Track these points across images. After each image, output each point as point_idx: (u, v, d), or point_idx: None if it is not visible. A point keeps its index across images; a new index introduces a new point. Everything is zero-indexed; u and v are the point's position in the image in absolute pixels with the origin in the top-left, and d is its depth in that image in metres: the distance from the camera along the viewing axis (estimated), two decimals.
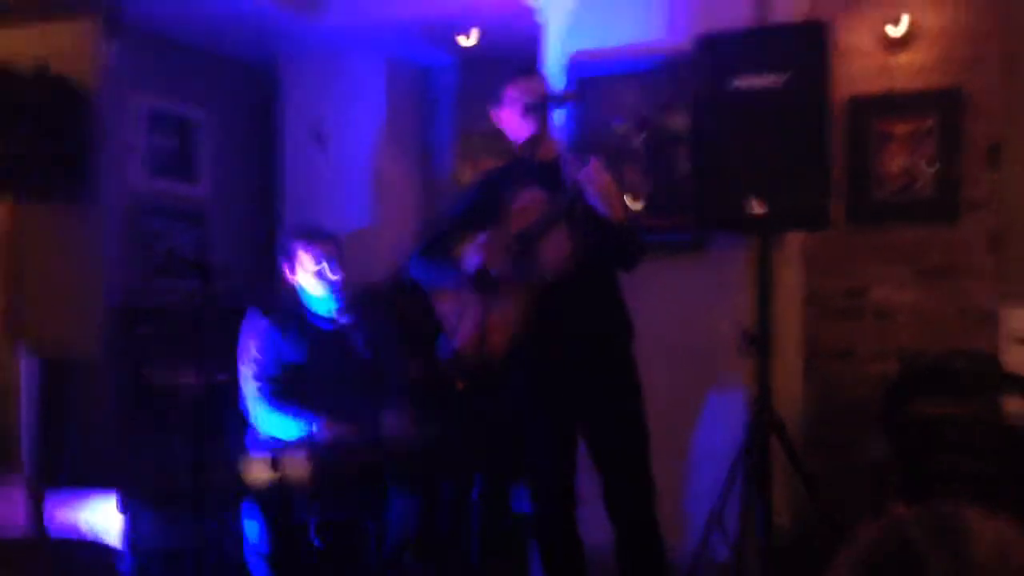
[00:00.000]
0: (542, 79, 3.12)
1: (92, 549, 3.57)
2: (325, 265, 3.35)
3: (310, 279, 3.36)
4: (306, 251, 3.36)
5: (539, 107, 2.95)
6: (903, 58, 4.23)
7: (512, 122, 3.03)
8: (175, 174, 5.06)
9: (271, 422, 3.30)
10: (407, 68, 5.45)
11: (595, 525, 2.96)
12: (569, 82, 4.07)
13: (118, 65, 4.67)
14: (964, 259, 4.11)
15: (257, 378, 3.34)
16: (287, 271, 3.42)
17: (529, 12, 4.46)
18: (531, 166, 2.99)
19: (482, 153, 5.68)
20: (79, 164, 4.50)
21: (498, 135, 5.29)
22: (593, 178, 2.73)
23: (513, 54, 5.04)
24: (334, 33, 4.96)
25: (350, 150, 5.31)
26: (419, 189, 5.59)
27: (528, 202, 2.91)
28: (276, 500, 2.90)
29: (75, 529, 3.75)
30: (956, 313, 4.11)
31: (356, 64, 5.28)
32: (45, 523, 3.84)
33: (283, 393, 3.33)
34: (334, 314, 3.44)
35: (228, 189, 5.35)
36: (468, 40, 5.09)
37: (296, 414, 3.27)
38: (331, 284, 3.36)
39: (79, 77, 4.56)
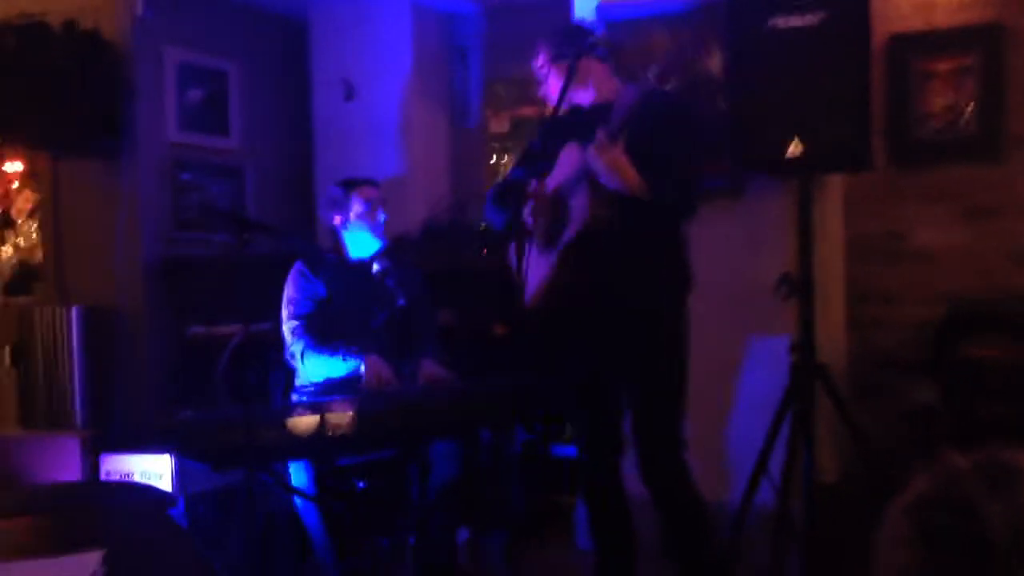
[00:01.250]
0: (571, 31, 3.07)
1: (145, 492, 3.66)
2: (374, 207, 3.55)
3: (359, 222, 3.56)
4: (358, 195, 3.56)
5: (566, 56, 2.91)
6: None
7: (546, 75, 3.02)
8: (208, 127, 5.07)
9: (314, 361, 3.40)
10: (433, 16, 5.39)
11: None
12: (599, 26, 4.01)
13: (148, 18, 4.66)
14: (1010, 198, 4.03)
15: (294, 317, 3.50)
16: (335, 217, 3.59)
17: None
18: (581, 115, 2.97)
19: (510, 100, 5.63)
20: (113, 119, 4.52)
21: (526, 82, 5.27)
22: (596, 157, 2.70)
23: (539, 1, 4.98)
24: None
25: (379, 100, 5.28)
26: (448, 138, 5.56)
27: (565, 159, 2.90)
28: (320, 447, 2.95)
29: (128, 477, 3.84)
30: (1003, 254, 4.04)
31: (383, 13, 5.23)
32: (100, 476, 3.93)
33: (321, 331, 3.45)
34: (374, 257, 3.56)
35: (261, 141, 5.35)
36: None
37: (336, 351, 3.37)
38: (379, 226, 3.57)
39: (109, 32, 4.55)
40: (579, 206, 2.84)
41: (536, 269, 2.94)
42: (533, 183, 2.99)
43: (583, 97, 3.02)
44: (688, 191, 2.87)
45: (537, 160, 3.08)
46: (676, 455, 2.87)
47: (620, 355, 2.90)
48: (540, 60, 3.05)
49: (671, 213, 2.87)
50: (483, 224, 3.35)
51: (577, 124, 2.95)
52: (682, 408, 2.90)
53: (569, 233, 2.87)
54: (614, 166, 2.69)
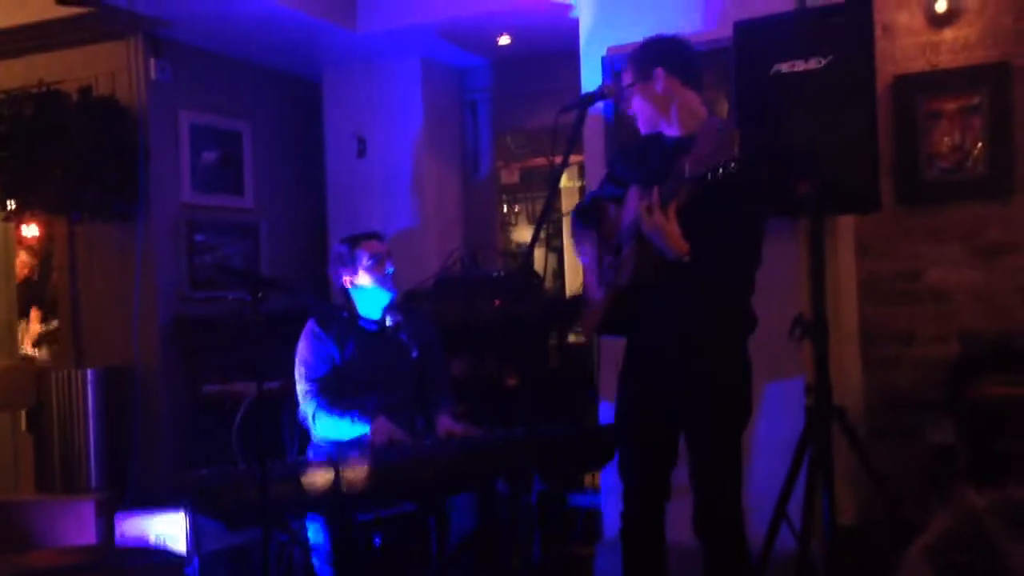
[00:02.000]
0: (662, 44, 2.96)
1: (159, 556, 3.64)
2: (381, 261, 3.55)
3: (366, 276, 3.55)
4: (364, 250, 3.56)
5: (574, 105, 2.93)
6: (947, 34, 4.15)
7: (630, 95, 2.96)
8: (222, 187, 5.12)
9: (325, 423, 3.39)
10: (443, 70, 5.47)
11: (681, 524, 2.93)
12: (606, 77, 4.05)
13: (161, 82, 4.74)
14: (1021, 235, 4.02)
15: (307, 380, 3.49)
16: (343, 274, 3.58)
17: (562, 9, 4.45)
18: (657, 147, 2.92)
19: (521, 152, 5.68)
20: (128, 182, 4.58)
21: (536, 133, 5.31)
22: (645, 221, 2.67)
23: (547, 52, 5.05)
24: (371, 40, 4.99)
25: (391, 154, 5.34)
26: (459, 190, 5.60)
27: (630, 200, 2.88)
28: (336, 503, 2.94)
29: (143, 539, 3.82)
30: (1016, 291, 4.02)
31: (394, 69, 5.31)
32: (115, 538, 3.92)
33: (334, 393, 3.45)
34: (385, 311, 3.57)
35: (274, 199, 5.40)
36: (505, 40, 5.09)
37: (347, 414, 3.35)
38: (388, 279, 3.56)
39: (124, 96, 4.63)
40: (628, 255, 2.83)
41: (596, 292, 2.96)
42: (611, 208, 2.99)
43: (666, 127, 2.91)
44: (746, 257, 2.80)
45: (616, 183, 3.05)
46: (736, 506, 2.82)
47: (680, 402, 2.85)
48: (625, 81, 2.94)
49: (724, 272, 2.80)
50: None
51: (655, 158, 2.89)
52: (740, 444, 2.86)
53: (619, 279, 2.87)
54: (660, 233, 2.65)
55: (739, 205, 2.69)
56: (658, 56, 2.89)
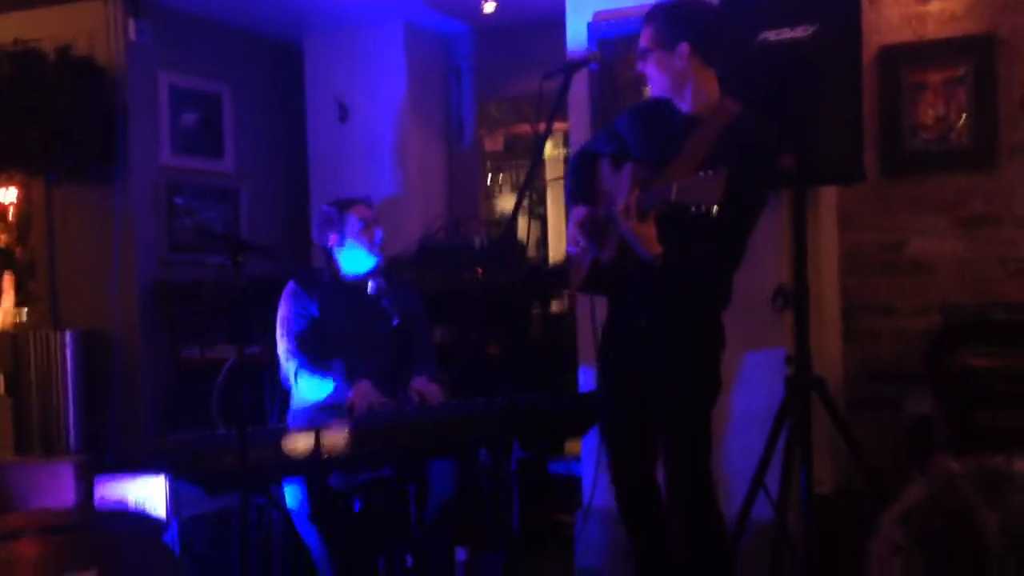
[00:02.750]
0: (688, 9, 2.85)
1: (138, 519, 3.64)
2: (369, 226, 3.55)
3: (354, 241, 3.55)
4: (353, 214, 3.55)
5: (559, 71, 2.89)
6: (933, 6, 4.14)
7: (646, 59, 2.85)
8: (202, 150, 5.08)
9: (307, 382, 3.38)
10: (427, 36, 5.42)
11: None
12: (591, 43, 4.02)
13: (141, 43, 4.67)
14: (1005, 207, 4.03)
15: (288, 337, 3.48)
16: (329, 236, 3.57)
17: None
18: (654, 118, 2.88)
19: (504, 119, 5.65)
20: (107, 143, 4.53)
21: (519, 101, 5.27)
22: (622, 223, 2.64)
23: (532, 18, 5.00)
24: (353, 4, 4.94)
25: (373, 121, 5.30)
26: (443, 157, 5.57)
27: (618, 180, 2.84)
28: (316, 467, 2.94)
29: (122, 503, 3.82)
30: (998, 263, 4.03)
31: (376, 35, 5.26)
32: (93, 501, 3.91)
33: (315, 350, 3.44)
34: (369, 275, 3.56)
35: (255, 164, 5.36)
36: (490, 7, 5.04)
37: (329, 374, 3.35)
38: (376, 244, 3.57)
39: (103, 57, 4.57)
40: (613, 235, 2.81)
41: (585, 252, 2.91)
42: (604, 166, 2.94)
43: (677, 100, 2.82)
44: (721, 272, 2.78)
45: (615, 140, 2.98)
46: (704, 479, 2.82)
47: (649, 376, 2.84)
48: (644, 39, 2.81)
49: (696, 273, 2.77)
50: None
51: (659, 127, 2.84)
52: (708, 420, 2.84)
53: (601, 254, 2.85)
54: (633, 236, 2.63)
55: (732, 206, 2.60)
56: (687, 28, 2.75)
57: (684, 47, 2.74)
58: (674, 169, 2.70)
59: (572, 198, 3.00)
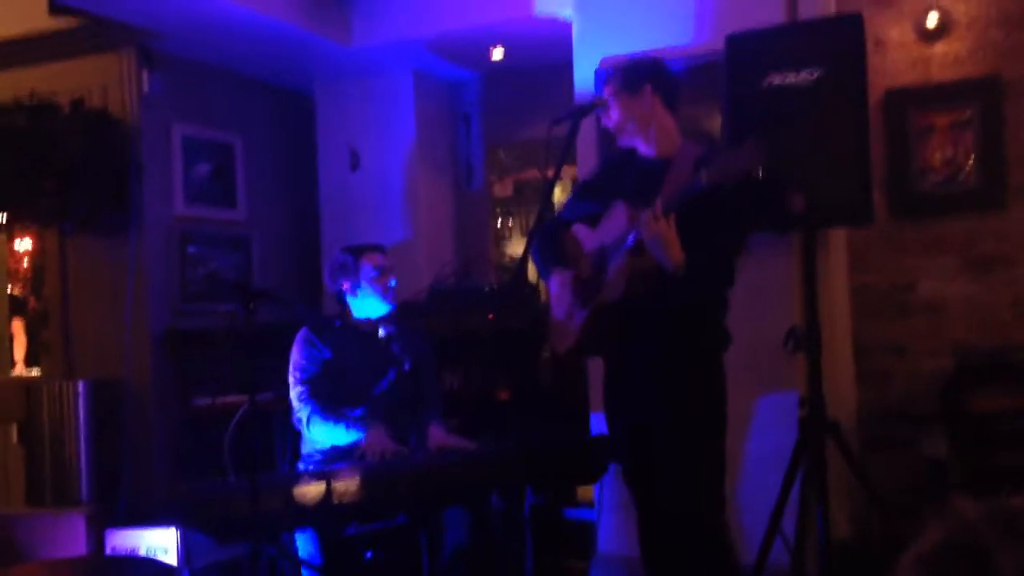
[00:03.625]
0: (648, 63, 2.99)
1: (149, 565, 3.61)
2: (384, 274, 3.57)
3: (368, 288, 3.56)
4: (367, 261, 3.57)
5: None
6: (938, 49, 4.17)
7: (610, 106, 2.95)
8: (214, 199, 5.12)
9: (319, 429, 3.37)
10: (435, 83, 5.48)
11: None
12: (598, 88, 4.06)
13: (154, 94, 4.73)
14: (1015, 248, 4.02)
15: (300, 382, 3.48)
16: (343, 283, 3.58)
17: (554, 23, 4.46)
18: (638, 165, 2.92)
19: (513, 165, 5.69)
20: (121, 194, 4.56)
21: (528, 146, 5.30)
22: (646, 227, 2.65)
23: (540, 64, 5.06)
24: (363, 54, 5.00)
25: (384, 168, 5.34)
26: (452, 203, 5.61)
27: (613, 217, 2.86)
28: (327, 516, 2.92)
29: (134, 553, 3.80)
30: (1009, 304, 4.02)
31: (386, 83, 5.32)
32: (105, 551, 3.89)
33: (327, 396, 3.42)
34: (383, 320, 3.57)
35: (267, 212, 5.40)
36: (497, 54, 5.10)
37: (341, 421, 3.34)
38: (389, 292, 3.58)
39: (117, 109, 4.63)
40: (615, 271, 2.82)
41: (570, 317, 2.92)
42: (579, 230, 2.97)
43: (642, 146, 2.93)
44: (728, 272, 2.82)
45: (590, 198, 3.03)
46: (713, 523, 2.79)
47: (652, 418, 2.83)
48: (607, 91, 2.94)
49: (708, 285, 2.80)
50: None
51: (630, 175, 2.91)
52: (720, 467, 2.82)
53: (604, 295, 2.84)
54: (662, 242, 2.63)
55: (728, 222, 2.70)
56: (648, 74, 2.90)
57: (647, 88, 2.87)
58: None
59: (545, 267, 3.01)
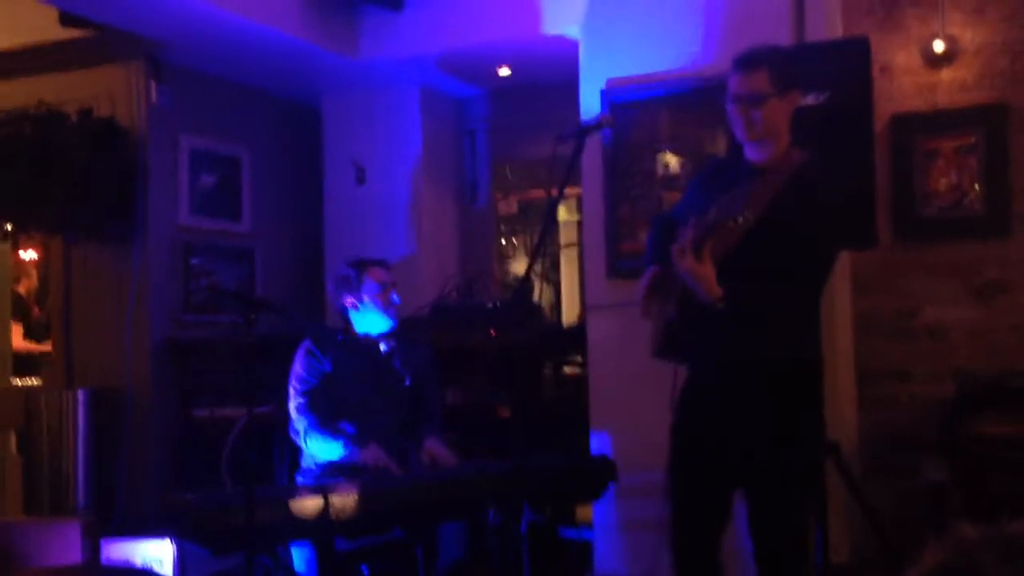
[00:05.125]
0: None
1: (145, 575, 3.60)
2: (387, 290, 3.56)
3: (371, 304, 3.54)
4: (370, 277, 3.56)
5: (572, 135, 2.88)
6: (945, 75, 4.18)
7: (762, 99, 2.58)
8: (219, 211, 5.13)
9: (316, 443, 3.36)
10: (442, 99, 5.50)
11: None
12: (604, 108, 4.07)
13: (162, 106, 4.75)
14: (1018, 274, 4.02)
15: (299, 393, 3.48)
16: (346, 297, 3.56)
17: (561, 41, 4.48)
18: (725, 169, 2.73)
19: (519, 183, 5.70)
20: (126, 204, 4.58)
21: (533, 164, 5.26)
22: (679, 263, 2.48)
23: (546, 83, 5.08)
24: (371, 68, 5.02)
25: (389, 183, 5.35)
26: (457, 219, 5.61)
27: (686, 232, 2.60)
28: (324, 529, 2.91)
29: (129, 563, 3.78)
30: (1011, 330, 4.01)
31: (393, 98, 5.34)
32: (100, 561, 3.87)
33: (326, 411, 3.42)
34: (385, 336, 3.56)
35: (271, 224, 5.40)
36: (504, 71, 5.12)
37: (339, 437, 3.33)
38: (392, 308, 3.57)
39: (124, 119, 4.65)
40: (674, 286, 2.63)
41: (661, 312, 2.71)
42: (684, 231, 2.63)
43: (754, 148, 2.63)
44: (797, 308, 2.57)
45: (695, 197, 2.79)
46: (800, 549, 2.61)
47: (735, 447, 2.59)
48: (760, 80, 2.56)
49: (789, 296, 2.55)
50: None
51: (728, 177, 2.64)
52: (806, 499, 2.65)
53: (667, 310, 2.66)
54: (691, 276, 2.46)
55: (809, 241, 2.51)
56: (796, 75, 2.63)
57: (797, 94, 2.64)
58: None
59: (647, 262, 2.78)
